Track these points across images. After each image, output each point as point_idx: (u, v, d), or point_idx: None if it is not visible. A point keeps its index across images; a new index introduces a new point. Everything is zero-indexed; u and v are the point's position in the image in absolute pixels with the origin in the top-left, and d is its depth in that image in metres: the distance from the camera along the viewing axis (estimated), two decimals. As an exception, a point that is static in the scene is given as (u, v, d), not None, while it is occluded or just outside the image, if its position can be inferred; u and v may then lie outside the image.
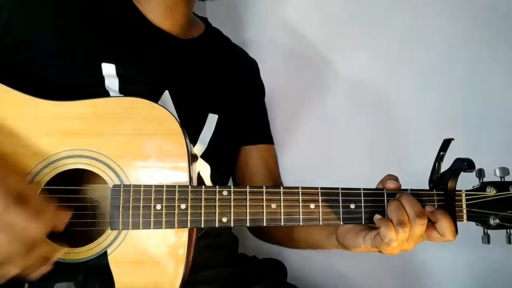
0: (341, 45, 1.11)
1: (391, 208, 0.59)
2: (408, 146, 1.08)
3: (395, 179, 0.62)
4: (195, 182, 0.62)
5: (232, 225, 0.59)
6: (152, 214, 0.57)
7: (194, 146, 0.74)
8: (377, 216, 0.60)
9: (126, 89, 0.68)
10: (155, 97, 0.71)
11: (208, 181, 0.76)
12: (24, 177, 0.56)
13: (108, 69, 0.67)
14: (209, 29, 0.86)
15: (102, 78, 0.67)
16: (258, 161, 0.87)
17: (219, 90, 0.81)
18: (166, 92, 0.72)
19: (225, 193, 0.58)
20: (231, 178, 0.89)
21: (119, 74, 0.68)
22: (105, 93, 0.67)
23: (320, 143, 1.11)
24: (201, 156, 0.75)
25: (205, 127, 0.76)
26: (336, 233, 0.68)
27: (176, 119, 0.60)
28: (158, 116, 0.59)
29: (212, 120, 0.77)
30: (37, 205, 0.51)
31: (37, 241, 0.50)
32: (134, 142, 0.59)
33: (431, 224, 0.59)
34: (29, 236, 0.49)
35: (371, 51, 1.11)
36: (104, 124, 0.59)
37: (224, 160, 0.81)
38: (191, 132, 0.73)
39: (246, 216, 0.58)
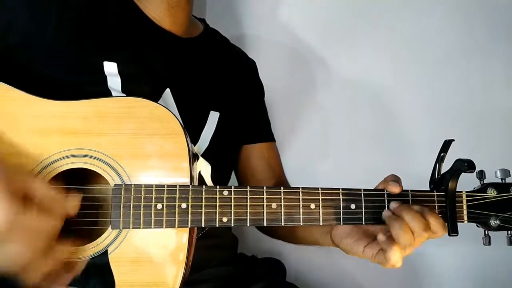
0: (342, 43, 1.12)
1: (396, 230, 0.57)
2: (408, 146, 1.09)
3: (398, 180, 0.62)
4: (196, 182, 0.62)
5: (232, 225, 0.59)
6: (152, 213, 0.57)
7: (196, 144, 0.74)
8: (381, 238, 0.59)
9: (128, 87, 0.68)
10: (156, 95, 0.71)
11: (208, 181, 0.76)
12: (25, 174, 0.54)
13: (110, 68, 0.68)
14: (207, 30, 0.86)
15: (104, 77, 0.67)
16: (260, 159, 0.87)
17: (220, 88, 0.81)
18: (168, 90, 0.72)
19: (225, 192, 0.59)
20: (234, 177, 0.89)
21: (120, 72, 0.68)
22: (107, 92, 0.67)
23: (320, 142, 1.11)
24: (202, 155, 0.75)
25: (206, 125, 0.77)
26: (330, 233, 0.68)
27: (178, 119, 0.60)
28: (160, 116, 0.60)
29: (213, 117, 0.78)
30: (45, 198, 0.50)
31: (56, 233, 0.50)
32: (136, 141, 0.59)
33: None
34: (47, 231, 0.49)
35: (372, 49, 1.11)
36: (106, 124, 0.59)
37: (225, 158, 0.81)
38: (193, 130, 0.74)
39: (247, 216, 0.58)
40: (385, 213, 0.60)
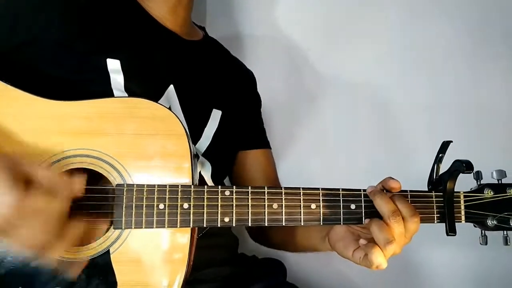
0: (341, 43, 1.12)
1: (376, 230, 0.58)
2: (406, 147, 1.09)
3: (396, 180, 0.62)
4: (196, 183, 0.62)
5: (234, 225, 0.59)
6: (155, 213, 0.58)
7: (198, 141, 0.75)
8: (362, 242, 0.61)
9: (130, 84, 0.68)
10: (159, 92, 0.72)
11: (209, 181, 0.76)
12: (28, 162, 0.53)
13: (113, 65, 0.68)
14: (208, 37, 0.89)
15: (107, 74, 0.68)
16: (255, 166, 0.88)
17: (222, 89, 0.83)
18: (171, 86, 0.73)
19: (227, 193, 0.59)
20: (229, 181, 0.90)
21: (124, 69, 0.68)
22: (109, 91, 0.67)
23: (319, 143, 1.11)
24: (203, 153, 0.76)
25: (209, 122, 0.78)
26: (328, 237, 0.69)
27: (180, 120, 0.60)
28: (162, 117, 0.60)
29: (216, 115, 0.79)
30: (50, 180, 0.51)
31: (65, 213, 0.50)
32: (138, 142, 0.59)
33: None
34: (56, 211, 0.49)
35: (370, 52, 1.11)
36: (108, 124, 0.59)
37: (225, 158, 0.82)
38: (196, 126, 0.75)
39: (248, 216, 0.59)
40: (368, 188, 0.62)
